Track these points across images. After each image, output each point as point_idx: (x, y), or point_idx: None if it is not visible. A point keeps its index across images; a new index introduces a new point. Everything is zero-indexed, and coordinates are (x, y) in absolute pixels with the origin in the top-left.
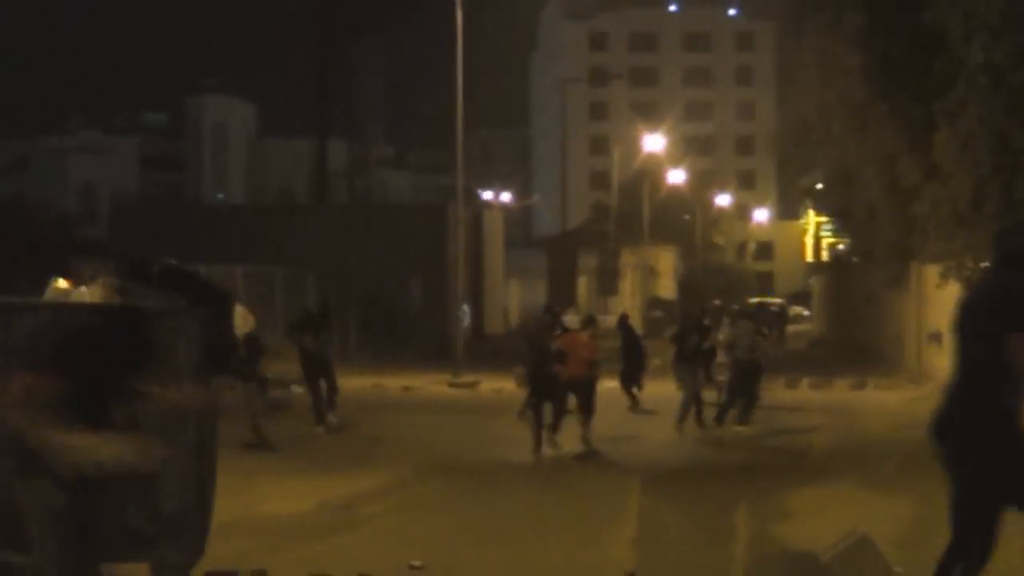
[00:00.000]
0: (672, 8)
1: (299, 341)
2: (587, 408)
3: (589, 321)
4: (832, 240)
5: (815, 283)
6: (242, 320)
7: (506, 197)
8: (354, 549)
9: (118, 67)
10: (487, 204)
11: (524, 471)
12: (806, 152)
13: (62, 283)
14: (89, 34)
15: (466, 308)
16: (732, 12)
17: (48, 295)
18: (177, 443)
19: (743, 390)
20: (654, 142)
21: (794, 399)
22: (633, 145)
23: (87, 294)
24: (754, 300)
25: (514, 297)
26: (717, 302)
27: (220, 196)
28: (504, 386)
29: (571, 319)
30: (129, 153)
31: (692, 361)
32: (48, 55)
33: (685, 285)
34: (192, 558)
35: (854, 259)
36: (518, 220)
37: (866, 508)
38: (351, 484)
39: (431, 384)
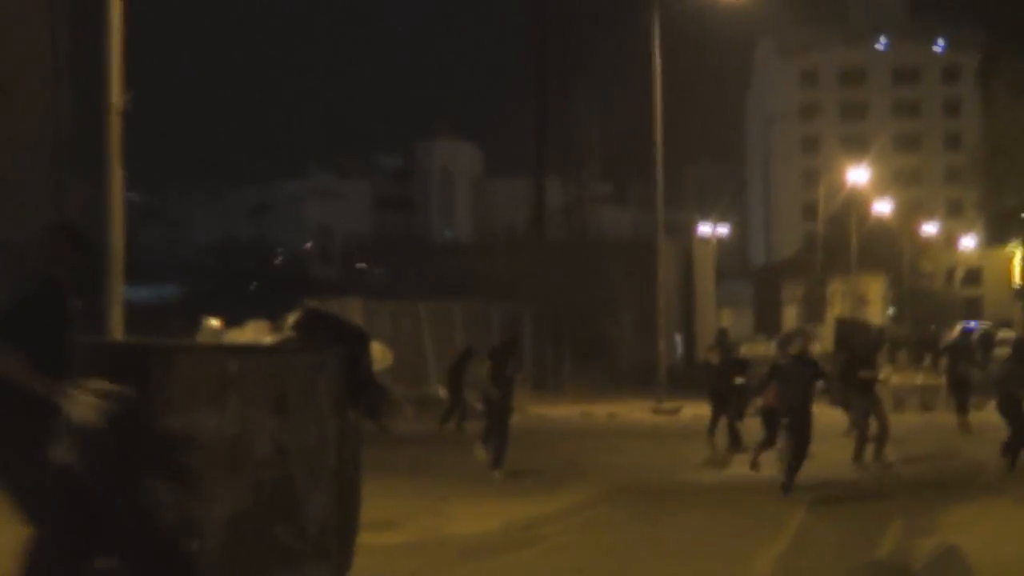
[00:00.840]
0: (880, 44)
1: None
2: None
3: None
4: None
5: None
6: (380, 356)
7: (723, 230)
8: (523, 566)
9: (352, 114)
10: (699, 237)
11: (704, 491)
12: (1013, 178)
13: (214, 323)
14: (324, 84)
15: (678, 337)
16: (938, 46)
17: (201, 335)
18: (318, 467)
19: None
20: (858, 174)
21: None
22: (843, 177)
23: (240, 334)
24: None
25: (727, 325)
26: (932, 327)
27: (448, 233)
28: (706, 412)
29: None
30: (363, 195)
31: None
32: (286, 105)
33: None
34: (339, 572)
35: None
36: (733, 251)
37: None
38: (538, 506)
39: (636, 411)
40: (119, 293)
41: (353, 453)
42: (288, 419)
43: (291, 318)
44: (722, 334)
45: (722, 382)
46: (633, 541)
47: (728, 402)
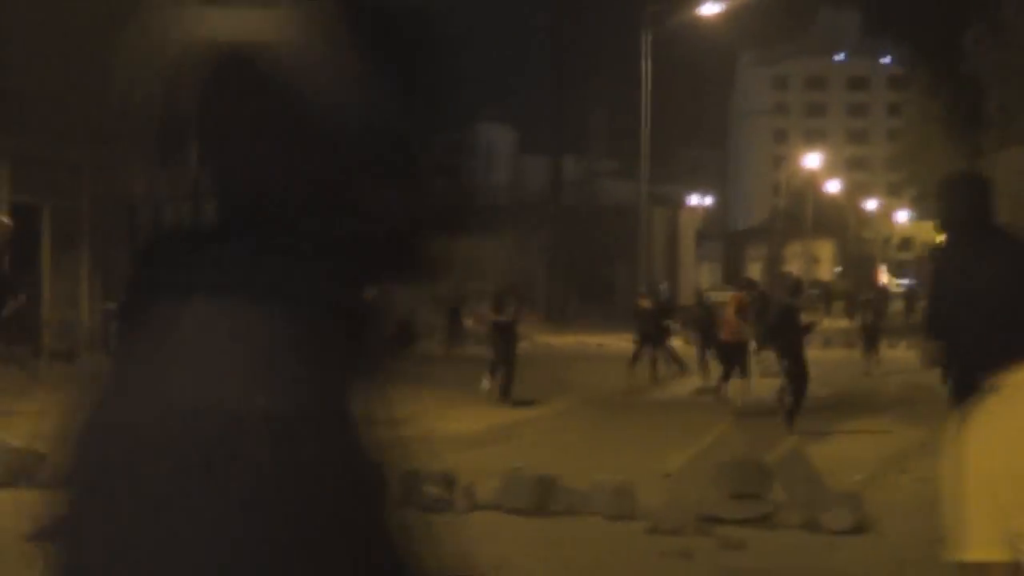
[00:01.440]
0: (839, 57)
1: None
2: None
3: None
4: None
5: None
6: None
7: (707, 201)
8: (496, 456)
9: None
10: (687, 207)
11: (657, 406)
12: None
13: None
14: None
15: (664, 285)
16: (885, 60)
17: None
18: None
19: None
20: (816, 160)
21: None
22: (803, 162)
23: None
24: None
25: (704, 277)
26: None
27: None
28: (679, 343)
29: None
30: (426, 165)
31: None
32: None
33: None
34: None
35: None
36: (714, 219)
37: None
38: (521, 413)
39: (621, 343)
40: None
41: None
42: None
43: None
44: (653, 284)
45: (651, 323)
46: (583, 440)
47: (654, 340)
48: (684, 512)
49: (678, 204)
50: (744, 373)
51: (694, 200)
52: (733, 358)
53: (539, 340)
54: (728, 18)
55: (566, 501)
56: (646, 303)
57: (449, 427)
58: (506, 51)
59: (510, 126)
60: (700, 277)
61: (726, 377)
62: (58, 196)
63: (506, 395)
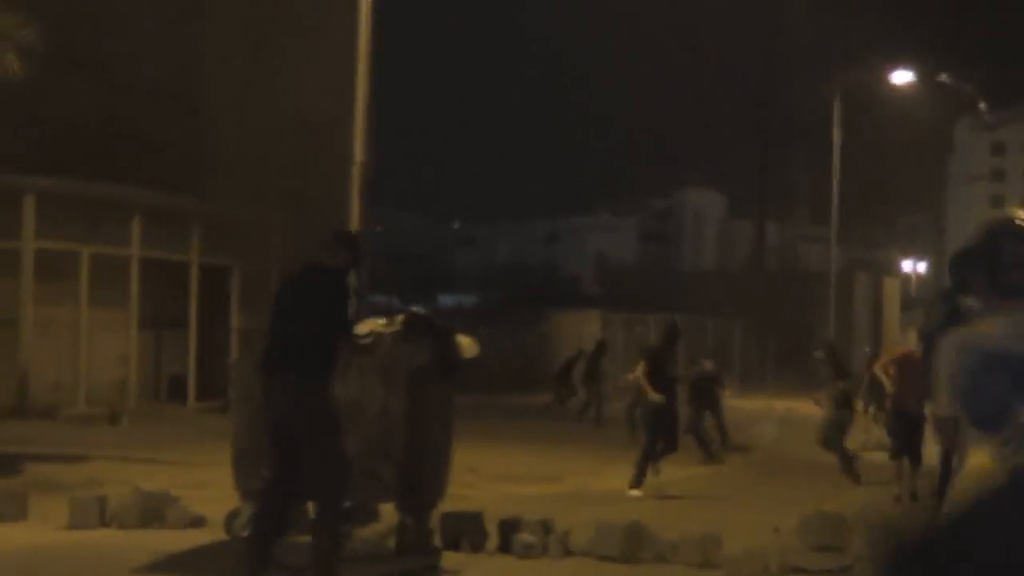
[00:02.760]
0: None
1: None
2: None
3: None
4: None
5: None
6: (468, 346)
7: (921, 267)
8: (645, 511)
9: (629, 162)
10: (894, 272)
11: (815, 467)
12: None
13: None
14: (607, 139)
15: (867, 349)
16: None
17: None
18: (412, 424)
19: None
20: None
21: None
22: None
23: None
24: None
25: (911, 342)
26: None
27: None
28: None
29: None
30: (632, 230)
31: None
32: (575, 153)
33: None
34: (434, 502)
35: None
36: (930, 284)
37: None
38: (681, 470)
39: (811, 407)
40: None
41: (445, 413)
42: (392, 388)
43: (399, 318)
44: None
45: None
46: (715, 499)
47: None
48: (764, 561)
49: (886, 269)
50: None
51: (907, 266)
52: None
53: (728, 403)
54: (944, 84)
55: (655, 549)
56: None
57: (601, 484)
58: (718, 115)
59: (719, 191)
60: (907, 343)
61: (897, 452)
62: (247, 257)
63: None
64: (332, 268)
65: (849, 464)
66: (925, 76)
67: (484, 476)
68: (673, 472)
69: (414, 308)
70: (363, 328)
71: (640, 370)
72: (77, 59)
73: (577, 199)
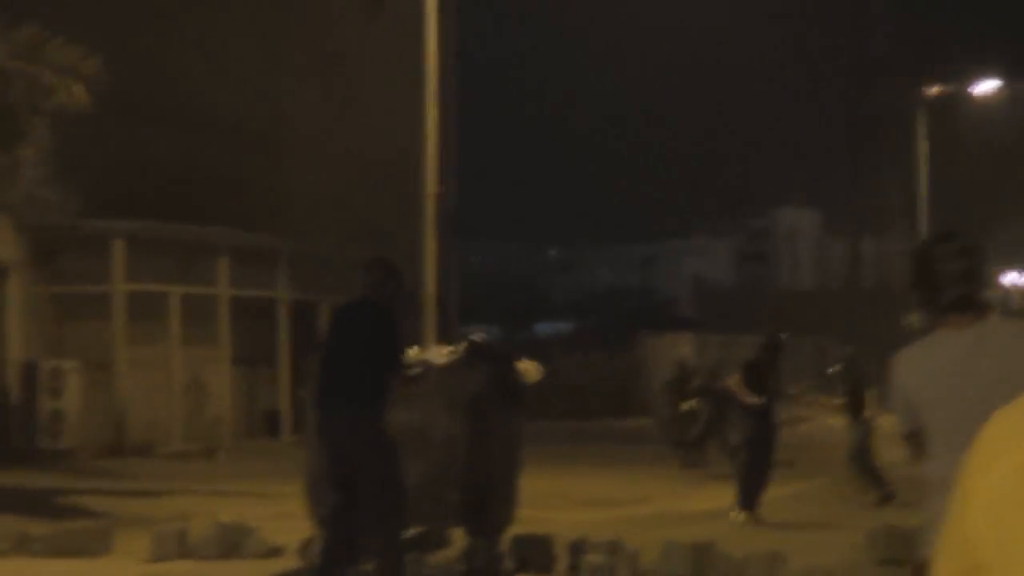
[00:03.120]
0: None
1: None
2: None
3: None
4: None
5: None
6: (533, 371)
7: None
8: (718, 531)
9: (724, 183)
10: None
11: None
12: None
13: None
14: (701, 161)
15: None
16: None
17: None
18: (478, 449)
19: None
20: None
21: None
22: None
23: (422, 354)
24: None
25: None
26: None
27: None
28: None
29: None
30: (728, 251)
31: None
32: (671, 177)
33: None
34: (502, 527)
35: None
36: None
37: None
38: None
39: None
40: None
41: (509, 437)
42: (455, 414)
43: (462, 346)
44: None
45: None
46: (789, 520)
47: None
48: None
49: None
50: None
51: (1010, 278)
52: None
53: (824, 423)
54: None
55: (722, 568)
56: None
57: (684, 506)
58: (809, 132)
59: (815, 208)
60: None
61: None
62: (334, 292)
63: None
64: (378, 302)
65: (877, 482)
66: (1013, 82)
67: (574, 500)
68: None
69: (474, 336)
70: (426, 355)
71: (734, 380)
72: (162, 106)
73: (674, 222)
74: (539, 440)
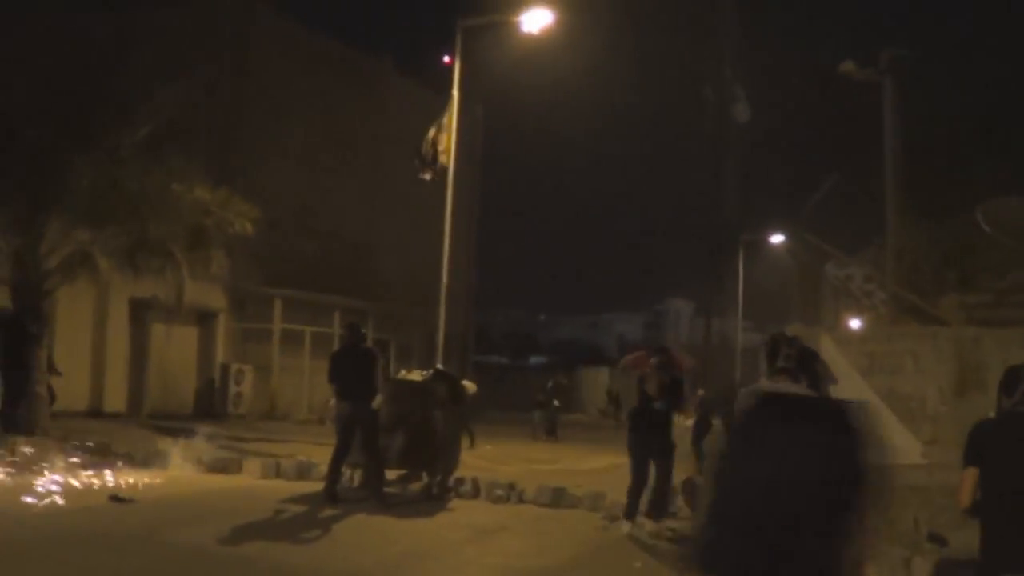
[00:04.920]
0: None
1: None
2: None
3: None
4: None
5: None
6: (471, 386)
7: None
8: (566, 480)
9: (642, 282)
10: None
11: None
12: None
13: (404, 372)
14: (632, 270)
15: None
16: None
17: (402, 375)
18: (439, 428)
19: None
20: None
21: None
22: None
23: (409, 375)
24: None
25: None
26: None
27: None
28: None
29: None
30: (640, 321)
31: None
32: (611, 266)
33: None
34: (448, 472)
35: None
36: None
37: None
38: None
39: None
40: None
41: (456, 422)
42: (423, 407)
43: (431, 371)
44: None
45: None
46: None
47: None
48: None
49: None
50: None
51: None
52: None
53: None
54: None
55: (570, 500)
56: None
57: (579, 465)
58: (694, 254)
59: (690, 300)
60: None
61: None
62: (399, 335)
63: None
64: (363, 347)
65: None
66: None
67: (516, 459)
68: None
69: (438, 366)
70: (410, 375)
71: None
72: (304, 224)
73: (609, 304)
74: (511, 423)
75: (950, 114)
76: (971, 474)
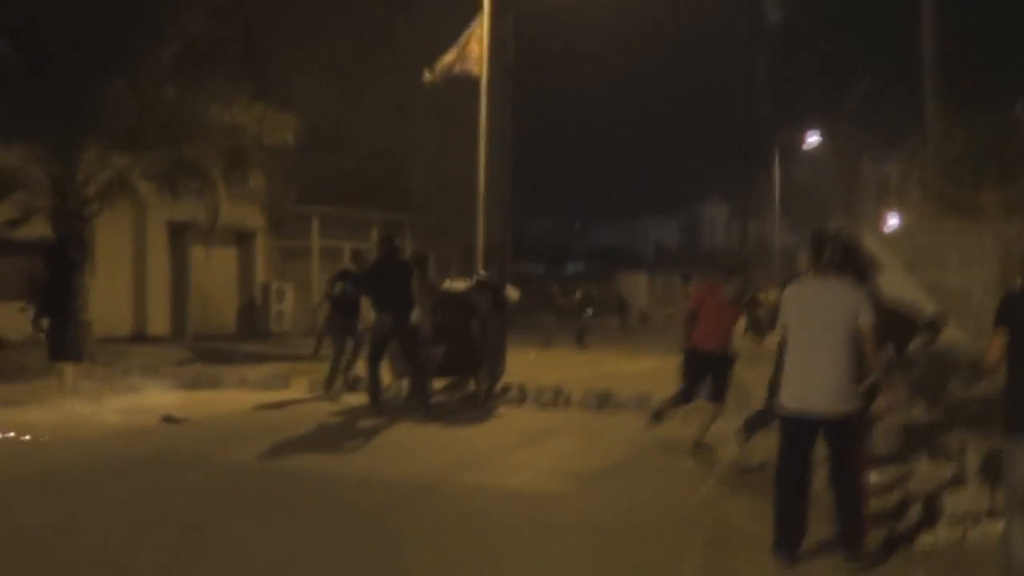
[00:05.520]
0: None
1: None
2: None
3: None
4: None
5: None
6: (513, 294)
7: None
8: (608, 384)
9: (678, 185)
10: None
11: None
12: None
13: (448, 282)
14: (666, 173)
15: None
16: None
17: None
18: (481, 335)
19: None
20: None
21: None
22: None
23: (454, 282)
24: None
25: None
26: None
27: None
28: None
29: None
30: (676, 226)
31: None
32: (645, 174)
33: None
34: (495, 379)
35: None
36: None
37: None
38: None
39: None
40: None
41: (500, 329)
42: (468, 316)
43: (474, 280)
44: None
45: None
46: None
47: None
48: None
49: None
50: None
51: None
52: None
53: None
54: None
55: (616, 403)
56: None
57: (617, 369)
58: (726, 155)
59: (725, 203)
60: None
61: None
62: (437, 248)
63: None
64: (399, 260)
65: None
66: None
67: (558, 365)
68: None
69: (481, 273)
70: (454, 284)
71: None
72: (341, 135)
73: (647, 207)
74: (555, 330)
75: (989, 4)
76: (1000, 334)
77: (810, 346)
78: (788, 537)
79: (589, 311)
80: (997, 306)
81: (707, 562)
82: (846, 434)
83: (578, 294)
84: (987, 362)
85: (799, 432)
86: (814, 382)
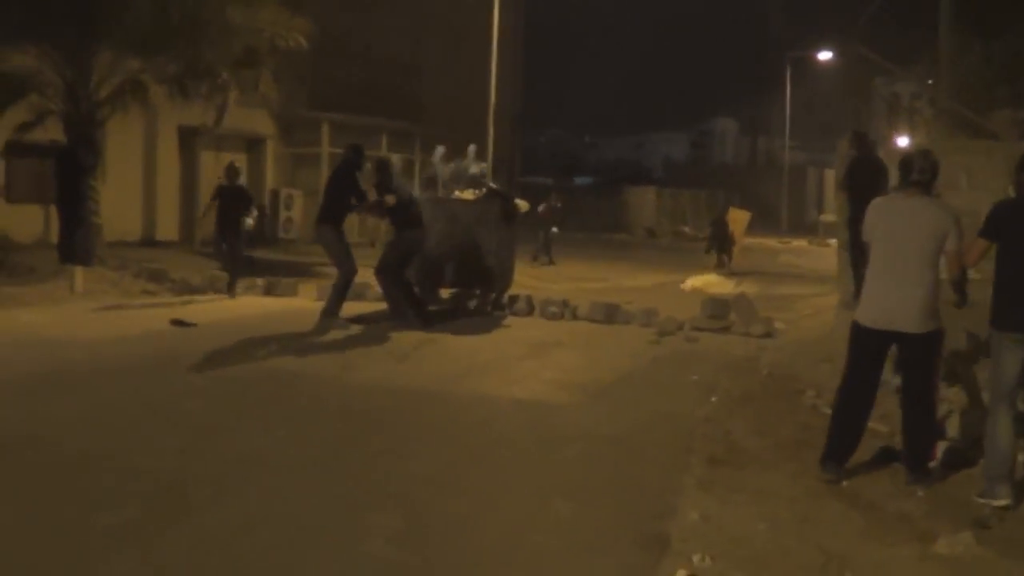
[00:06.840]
0: None
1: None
2: None
3: None
4: None
5: None
6: (523, 205)
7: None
8: (613, 296)
9: (689, 100)
10: (829, 166)
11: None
12: None
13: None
14: (677, 87)
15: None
16: None
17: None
18: (493, 246)
19: None
20: None
21: None
22: None
23: (464, 194)
24: None
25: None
26: None
27: None
28: None
29: None
30: (686, 141)
31: None
32: (656, 88)
33: None
34: (503, 290)
35: None
36: None
37: None
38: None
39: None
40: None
41: (509, 241)
42: (477, 226)
43: (484, 190)
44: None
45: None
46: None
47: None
48: (677, 324)
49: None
50: None
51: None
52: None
53: None
54: None
55: (623, 316)
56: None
57: (626, 283)
58: (738, 72)
59: (735, 119)
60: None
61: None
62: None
63: None
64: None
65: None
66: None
67: (565, 277)
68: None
69: (491, 184)
70: (463, 194)
71: None
72: (352, 43)
73: (656, 122)
74: (561, 243)
75: None
76: (982, 243)
77: (897, 263)
78: (840, 452)
79: (554, 229)
80: (987, 215)
81: (711, 476)
82: (926, 350)
83: (541, 208)
84: (967, 263)
85: (878, 347)
86: (900, 299)
